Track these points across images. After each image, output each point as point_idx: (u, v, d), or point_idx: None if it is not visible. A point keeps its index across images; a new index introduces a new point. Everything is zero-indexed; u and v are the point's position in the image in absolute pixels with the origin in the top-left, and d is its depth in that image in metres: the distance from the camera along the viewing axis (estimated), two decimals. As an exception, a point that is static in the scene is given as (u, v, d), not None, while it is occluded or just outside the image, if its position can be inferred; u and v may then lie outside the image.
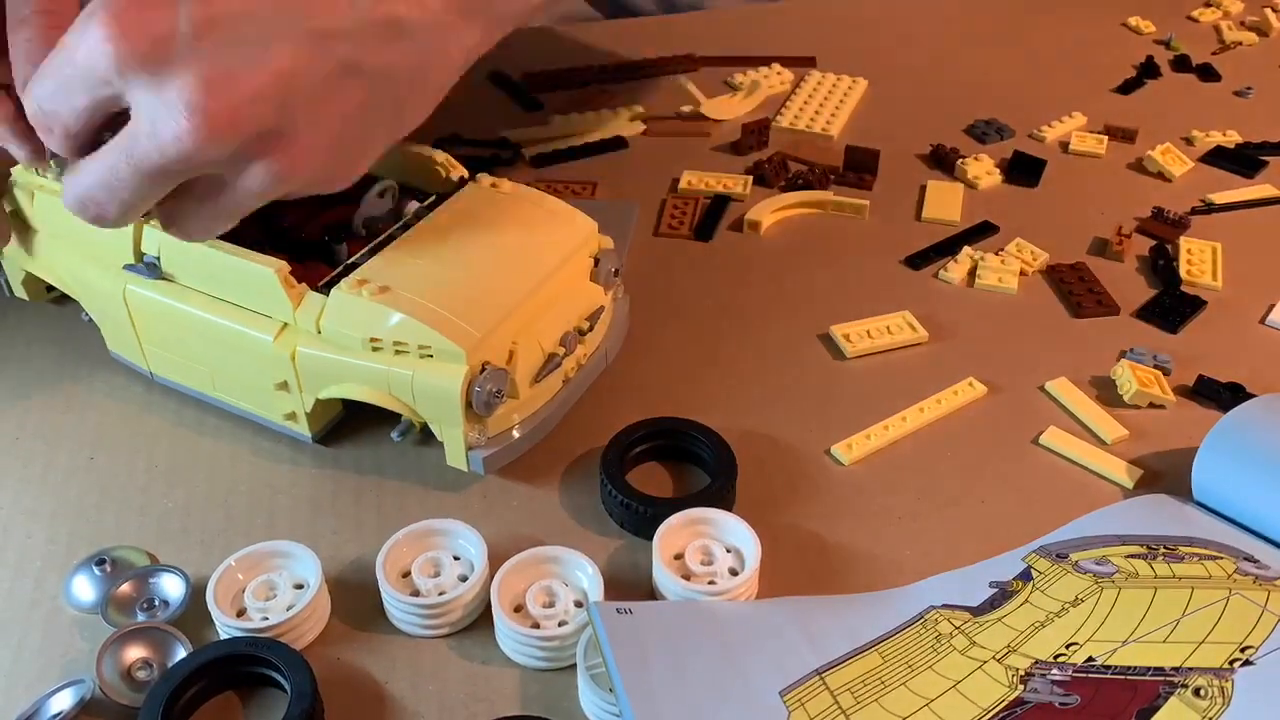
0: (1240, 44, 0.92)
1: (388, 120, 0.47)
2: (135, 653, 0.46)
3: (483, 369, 0.50)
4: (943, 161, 0.77)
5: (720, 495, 0.52)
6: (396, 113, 0.48)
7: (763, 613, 0.47)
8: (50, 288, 0.63)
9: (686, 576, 0.48)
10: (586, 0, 1.01)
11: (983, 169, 0.76)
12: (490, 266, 0.54)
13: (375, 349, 0.51)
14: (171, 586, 0.49)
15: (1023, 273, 0.67)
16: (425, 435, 0.55)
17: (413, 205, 0.57)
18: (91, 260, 0.56)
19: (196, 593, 0.48)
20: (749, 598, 0.49)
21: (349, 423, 0.57)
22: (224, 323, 0.53)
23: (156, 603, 0.48)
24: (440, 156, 0.59)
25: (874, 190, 0.75)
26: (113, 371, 0.60)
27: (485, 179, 0.58)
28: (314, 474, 0.55)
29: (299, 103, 0.43)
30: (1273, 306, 0.64)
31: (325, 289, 0.52)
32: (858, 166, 0.76)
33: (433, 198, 0.58)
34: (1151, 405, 0.58)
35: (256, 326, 0.53)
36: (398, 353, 0.51)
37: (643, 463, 0.55)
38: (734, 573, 0.49)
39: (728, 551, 0.50)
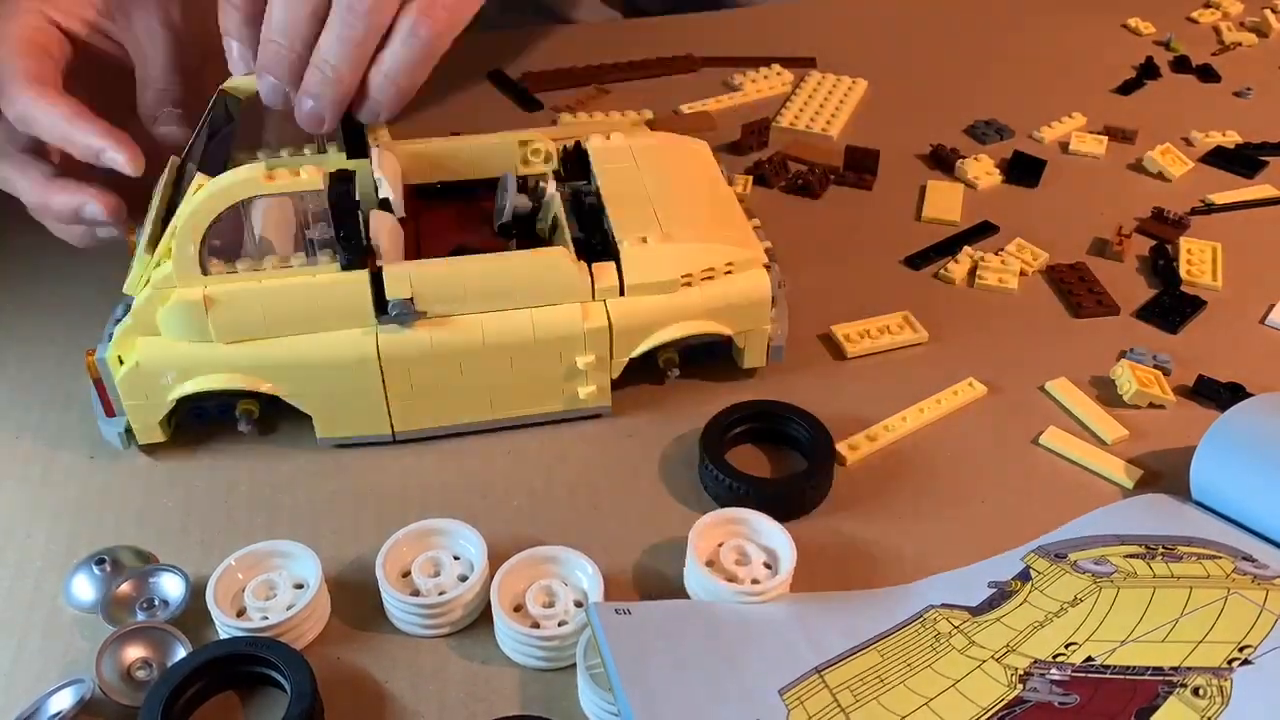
0: (1240, 45, 0.92)
1: None
2: (135, 652, 0.46)
3: (767, 268, 0.57)
4: (943, 161, 0.77)
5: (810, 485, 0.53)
6: None
7: (761, 612, 0.47)
8: (167, 419, 0.55)
9: (729, 578, 0.49)
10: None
11: (983, 169, 0.76)
12: (696, 193, 0.59)
13: (686, 284, 0.55)
14: (171, 586, 0.49)
15: (1023, 273, 0.67)
16: (438, 432, 0.55)
17: (550, 184, 0.59)
18: (316, 338, 0.52)
19: (196, 592, 0.48)
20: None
21: (349, 422, 0.57)
22: (523, 329, 0.53)
23: (156, 602, 0.48)
24: (537, 141, 0.61)
25: (874, 190, 0.75)
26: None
27: (598, 136, 0.61)
28: (314, 474, 0.55)
29: None
30: (1273, 306, 0.64)
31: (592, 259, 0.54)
32: (858, 166, 0.76)
33: (549, 173, 0.60)
34: (1151, 405, 0.58)
35: (560, 316, 0.54)
36: (705, 279, 0.55)
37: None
38: (767, 567, 0.49)
39: (763, 552, 0.50)
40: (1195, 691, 0.42)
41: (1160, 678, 0.43)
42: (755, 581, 0.48)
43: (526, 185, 0.61)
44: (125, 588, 0.49)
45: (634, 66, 0.89)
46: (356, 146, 0.58)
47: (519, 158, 0.61)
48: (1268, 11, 0.95)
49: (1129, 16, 0.96)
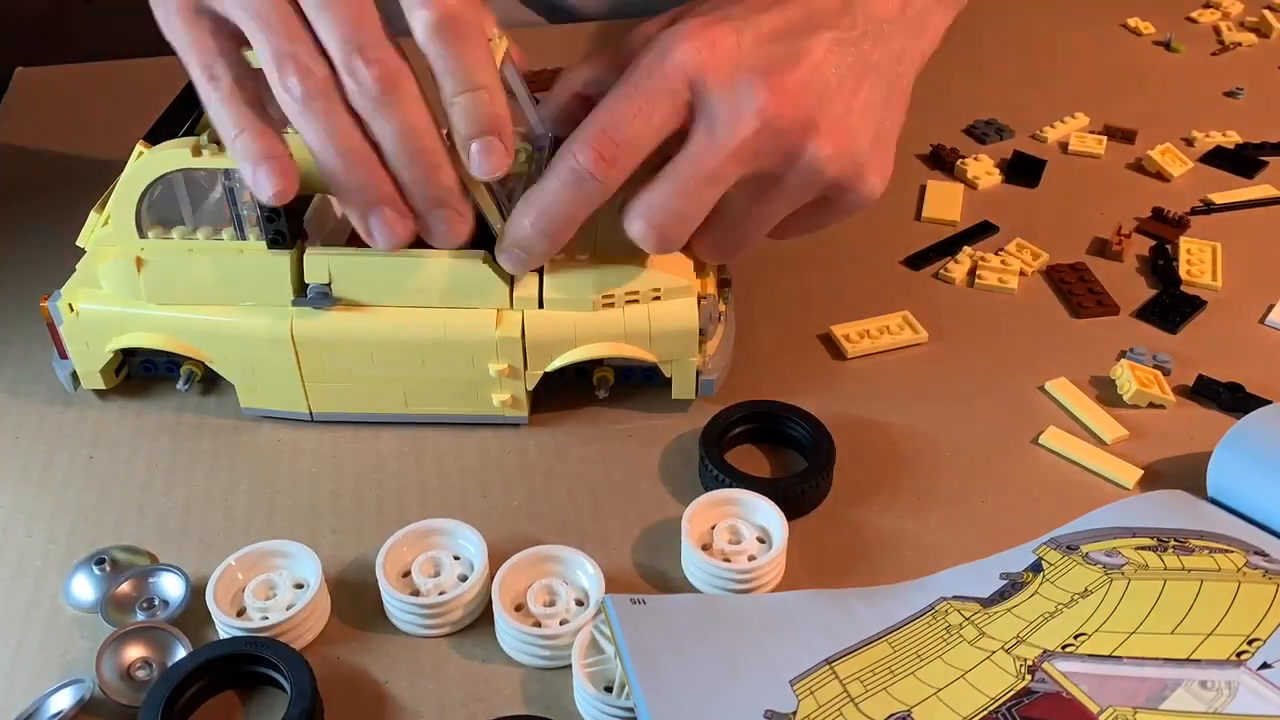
0: (1239, 45, 0.92)
1: (896, 107, 0.54)
2: (135, 652, 0.46)
3: (701, 299, 0.54)
4: (942, 161, 0.77)
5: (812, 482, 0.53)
6: (900, 99, 0.54)
7: (774, 604, 0.47)
8: (118, 370, 0.59)
9: (725, 557, 0.49)
10: (522, 2, 0.99)
11: (982, 169, 0.76)
12: None
13: (606, 305, 0.53)
14: (171, 586, 0.49)
15: (1022, 272, 0.67)
16: (437, 430, 0.55)
17: (516, 183, 0.57)
18: (237, 311, 0.54)
19: (196, 592, 0.48)
20: (777, 575, 0.49)
21: (349, 423, 0.57)
22: (434, 328, 0.53)
23: (156, 602, 0.48)
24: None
25: (874, 190, 0.75)
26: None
27: None
28: (314, 474, 0.55)
29: (829, 91, 0.49)
30: (1272, 306, 0.64)
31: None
32: (858, 167, 0.76)
33: (530, 171, 0.57)
34: (1151, 405, 0.58)
35: (473, 321, 0.53)
36: (629, 303, 0.54)
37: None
38: (761, 542, 0.50)
39: (756, 529, 0.51)
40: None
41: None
42: (751, 558, 0.49)
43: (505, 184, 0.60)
44: (125, 587, 0.49)
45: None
46: None
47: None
48: (1267, 12, 0.95)
49: (1129, 16, 0.96)
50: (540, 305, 0.54)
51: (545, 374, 0.55)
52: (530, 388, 0.55)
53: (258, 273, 0.53)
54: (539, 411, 0.58)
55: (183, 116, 0.57)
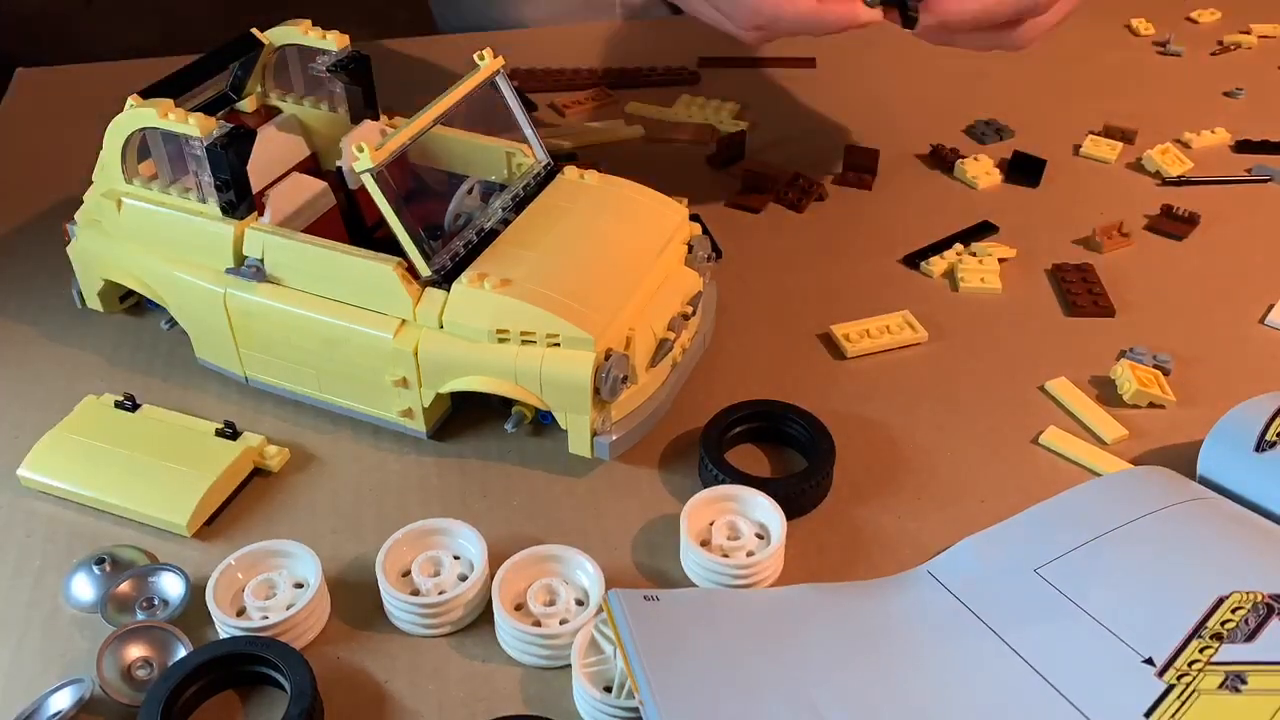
0: (1239, 46, 0.92)
1: None
2: (135, 652, 0.46)
3: (608, 355, 0.52)
4: (943, 161, 0.78)
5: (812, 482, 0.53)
6: None
7: (788, 600, 0.47)
8: (124, 297, 0.63)
9: (724, 553, 0.49)
10: None
11: (982, 169, 0.76)
12: (598, 255, 0.55)
13: (501, 340, 0.52)
14: (171, 585, 0.49)
15: (1002, 259, 0.67)
16: (438, 430, 0.55)
17: (497, 199, 0.57)
18: (187, 266, 0.57)
19: (196, 592, 0.48)
20: (775, 571, 0.49)
21: (349, 422, 0.57)
22: (338, 323, 0.54)
23: (156, 602, 0.48)
24: (512, 148, 0.60)
25: (874, 190, 0.75)
26: (111, 369, 0.60)
27: (573, 170, 0.59)
28: (314, 474, 0.55)
29: None
30: (1272, 306, 0.64)
31: (437, 284, 0.52)
32: (858, 166, 0.76)
33: (515, 190, 0.57)
34: (1151, 405, 0.58)
35: (375, 325, 0.53)
36: (524, 343, 0.52)
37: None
38: (760, 538, 0.50)
39: (754, 525, 0.51)
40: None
41: None
42: (750, 554, 0.49)
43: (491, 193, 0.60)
44: (125, 587, 0.49)
45: (639, 73, 0.88)
46: (359, 113, 0.62)
47: (505, 166, 0.61)
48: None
49: (1129, 16, 0.96)
50: (441, 325, 0.53)
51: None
52: (426, 404, 0.55)
53: (208, 236, 0.55)
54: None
55: (190, 81, 0.59)
